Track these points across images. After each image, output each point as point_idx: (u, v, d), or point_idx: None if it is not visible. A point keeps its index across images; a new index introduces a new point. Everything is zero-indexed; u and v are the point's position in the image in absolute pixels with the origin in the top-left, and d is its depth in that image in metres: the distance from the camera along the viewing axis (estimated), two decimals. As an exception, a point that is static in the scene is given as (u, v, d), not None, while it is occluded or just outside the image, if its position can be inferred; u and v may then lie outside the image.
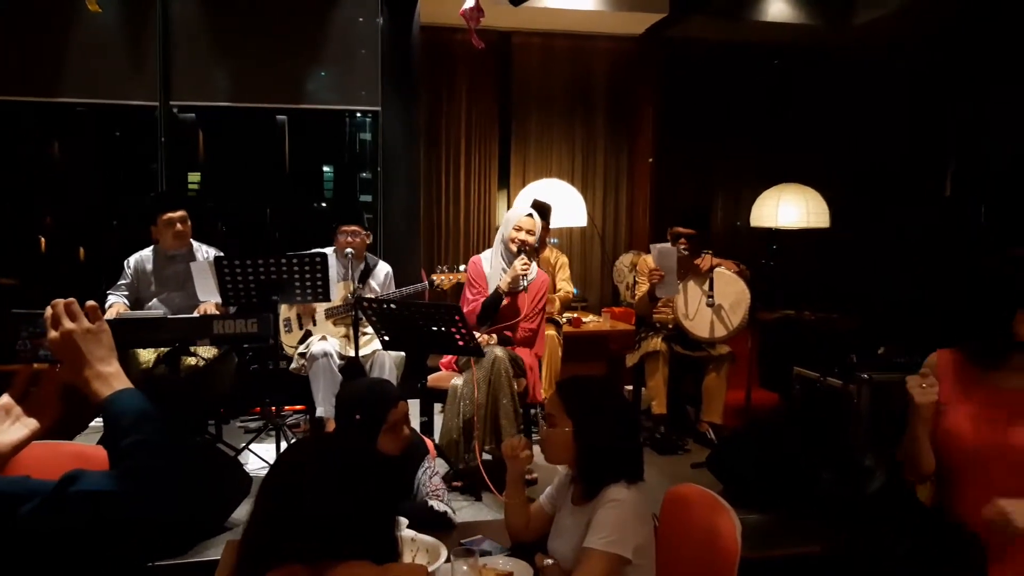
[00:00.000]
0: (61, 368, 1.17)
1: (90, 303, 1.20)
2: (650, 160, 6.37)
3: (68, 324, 1.14)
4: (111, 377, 1.14)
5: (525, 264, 3.76)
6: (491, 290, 3.85)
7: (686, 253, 4.33)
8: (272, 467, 1.33)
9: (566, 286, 4.88)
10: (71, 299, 1.17)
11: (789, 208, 5.18)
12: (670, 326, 4.51)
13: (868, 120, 6.13)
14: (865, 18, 5.59)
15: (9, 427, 1.20)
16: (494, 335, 3.82)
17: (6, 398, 1.21)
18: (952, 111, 5.50)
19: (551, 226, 4.99)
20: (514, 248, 3.80)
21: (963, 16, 5.14)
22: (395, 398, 2.44)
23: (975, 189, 5.35)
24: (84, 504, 0.96)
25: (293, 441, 1.70)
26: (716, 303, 4.21)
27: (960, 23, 5.17)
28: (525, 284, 3.85)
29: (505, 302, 3.86)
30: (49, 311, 1.15)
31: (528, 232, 3.82)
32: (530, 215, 3.87)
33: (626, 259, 6.08)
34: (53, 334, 1.14)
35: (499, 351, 3.62)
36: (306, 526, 1.19)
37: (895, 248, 5.84)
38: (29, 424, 1.21)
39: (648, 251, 4.61)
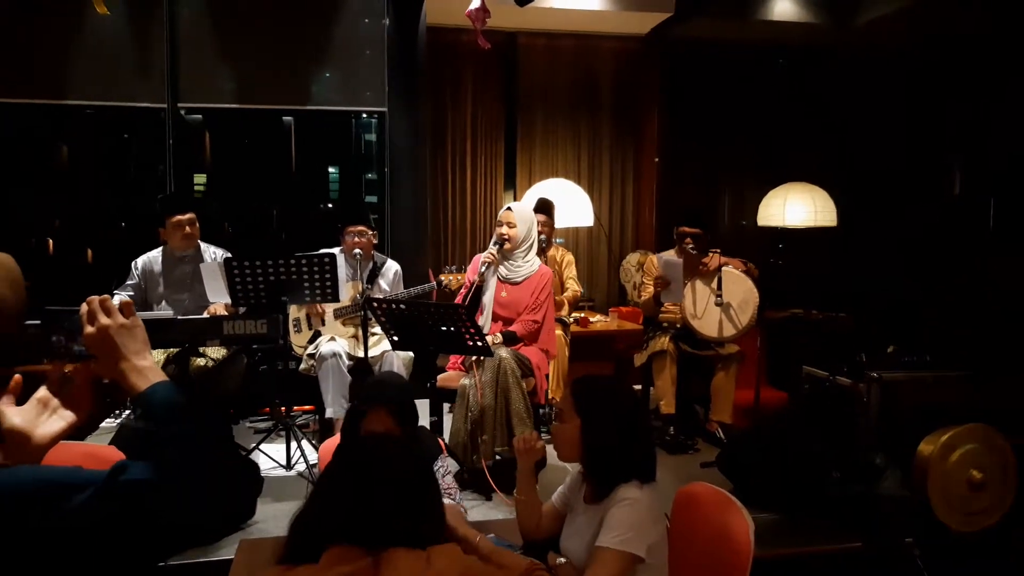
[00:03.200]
0: (96, 363, 1.19)
1: (124, 299, 1.23)
2: (656, 159, 6.37)
3: (104, 320, 1.16)
4: (147, 370, 1.16)
5: (489, 253, 3.93)
6: (488, 286, 3.93)
7: (693, 252, 4.33)
8: (342, 458, 1.44)
9: (573, 285, 4.88)
10: (105, 296, 1.19)
11: (796, 207, 5.17)
12: (678, 325, 4.51)
13: (874, 118, 6.12)
14: (870, 16, 5.58)
15: (47, 419, 1.22)
16: (498, 334, 3.84)
17: (43, 391, 1.23)
18: (959, 109, 5.49)
19: (556, 225, 5.00)
20: (494, 239, 3.96)
21: (968, 13, 5.13)
22: (373, 401, 2.41)
23: (984, 187, 5.33)
24: (132, 493, 0.97)
25: (363, 438, 1.86)
26: (724, 302, 4.20)
27: (966, 21, 5.16)
28: (488, 273, 3.94)
29: (505, 295, 3.89)
30: (85, 307, 1.17)
31: (508, 225, 3.92)
32: (509, 209, 3.97)
33: (633, 259, 6.08)
34: (89, 329, 1.16)
35: (504, 352, 3.64)
36: (376, 514, 1.30)
37: (903, 247, 5.83)
38: (66, 416, 1.23)
39: (654, 250, 4.62)
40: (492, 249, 3.92)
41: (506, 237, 3.91)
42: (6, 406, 1.19)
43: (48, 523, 0.94)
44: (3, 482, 0.96)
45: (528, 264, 3.96)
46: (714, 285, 4.20)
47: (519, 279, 3.94)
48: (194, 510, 1.00)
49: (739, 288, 4.24)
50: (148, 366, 1.16)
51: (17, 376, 1.17)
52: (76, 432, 1.26)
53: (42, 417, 1.22)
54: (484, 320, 3.92)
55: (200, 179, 5.29)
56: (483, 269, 3.92)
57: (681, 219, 4.56)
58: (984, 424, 3.35)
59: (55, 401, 1.24)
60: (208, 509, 1.02)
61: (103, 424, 4.16)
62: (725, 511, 1.96)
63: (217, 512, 1.04)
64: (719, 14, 5.83)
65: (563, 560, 1.98)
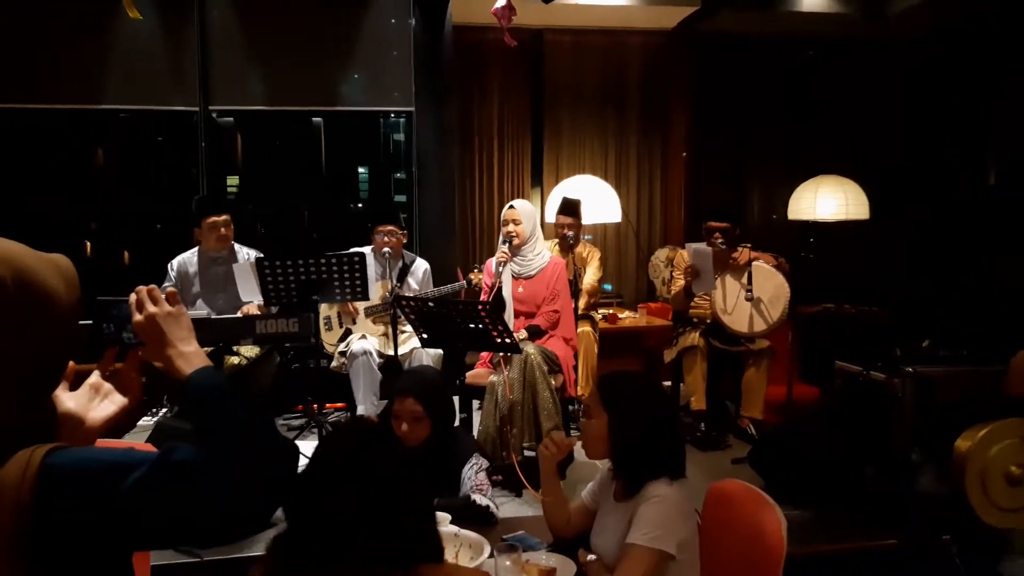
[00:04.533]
0: (145, 350, 1.24)
1: (171, 289, 1.28)
2: (684, 154, 6.32)
3: (151, 308, 1.22)
4: (192, 356, 1.20)
5: (502, 252, 3.96)
6: (504, 283, 3.97)
7: (723, 247, 4.30)
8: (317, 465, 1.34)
9: (591, 279, 4.81)
10: (152, 285, 1.24)
11: (827, 200, 5.11)
12: (708, 321, 4.48)
13: (905, 110, 6.02)
14: (901, 6, 5.48)
15: (99, 403, 1.27)
16: (523, 330, 3.87)
17: (96, 377, 1.28)
18: (991, 101, 5.38)
19: (584, 222, 4.98)
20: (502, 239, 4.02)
21: (1001, 4, 5.02)
22: (402, 389, 2.47)
23: (1018, 179, 5.22)
24: (182, 474, 1.00)
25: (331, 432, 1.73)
26: (755, 297, 4.17)
27: (995, 11, 5.05)
28: (501, 271, 3.96)
29: (521, 291, 3.97)
30: (133, 297, 1.23)
31: (514, 223, 3.97)
32: (511, 207, 4.02)
33: (661, 254, 6.05)
34: (138, 317, 1.21)
35: (531, 348, 3.66)
36: (322, 521, 1.21)
37: (936, 240, 5.73)
38: (117, 401, 1.28)
39: (683, 246, 4.58)
40: (503, 248, 3.97)
41: (514, 234, 3.97)
42: (61, 391, 1.24)
43: (105, 501, 0.97)
44: (63, 461, 0.99)
45: (539, 257, 4.04)
46: (744, 280, 4.17)
47: (533, 272, 4.01)
48: (240, 494, 1.02)
49: (770, 283, 4.20)
50: (193, 352, 1.20)
51: (71, 363, 1.21)
52: (115, 430, 1.29)
53: (94, 402, 1.27)
54: (507, 318, 3.94)
55: (233, 181, 5.36)
56: (500, 269, 3.95)
57: (708, 214, 4.52)
58: (1023, 419, 3.28)
59: (107, 386, 1.29)
60: (255, 493, 1.04)
61: (140, 423, 4.25)
62: (757, 508, 1.95)
63: (263, 497, 1.05)
64: (746, 6, 5.77)
65: (593, 557, 1.98)
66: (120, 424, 1.27)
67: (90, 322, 1.27)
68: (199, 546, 2.82)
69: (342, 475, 1.26)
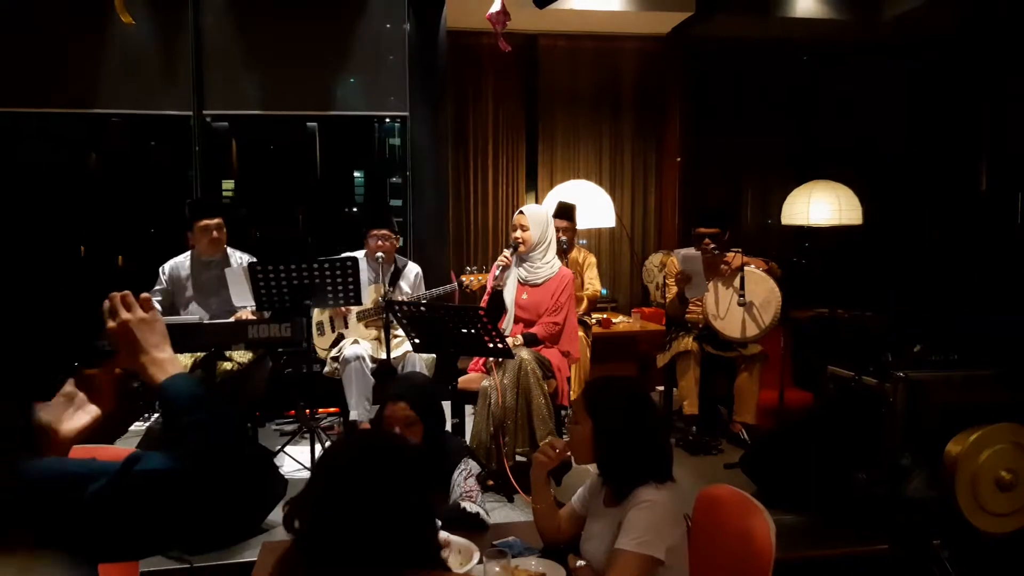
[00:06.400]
0: (118, 356, 1.23)
1: (144, 295, 1.27)
2: (678, 159, 6.34)
3: (124, 314, 1.21)
4: (165, 362, 1.19)
5: (503, 257, 3.94)
6: (508, 288, 3.97)
7: (715, 253, 4.31)
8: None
9: (594, 283, 4.88)
10: (126, 291, 1.23)
11: (821, 205, 5.12)
12: (701, 325, 4.49)
13: (899, 115, 6.04)
14: (895, 11, 5.50)
15: (73, 413, 1.27)
16: (519, 336, 3.86)
17: (69, 386, 1.28)
18: (985, 104, 5.40)
19: (579, 227, 4.99)
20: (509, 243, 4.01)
21: (994, 7, 5.04)
22: (394, 395, 2.47)
23: (1011, 183, 5.24)
24: (147, 484, 0.99)
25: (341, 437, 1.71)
26: (747, 301, 4.18)
27: (989, 14, 5.08)
28: (502, 276, 3.95)
29: (525, 298, 3.93)
30: (106, 303, 1.22)
31: (521, 228, 3.94)
32: (521, 212, 3.99)
33: (656, 259, 6.06)
34: (111, 324, 1.21)
35: (525, 353, 3.66)
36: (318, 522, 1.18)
37: (929, 244, 5.75)
38: (91, 411, 1.28)
39: (678, 250, 4.58)
40: (506, 252, 3.95)
41: (520, 240, 3.94)
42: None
43: (65, 512, 0.96)
44: (28, 475, 0.98)
45: (548, 266, 3.97)
46: (736, 284, 4.18)
47: (539, 281, 3.95)
48: (213, 500, 1.02)
49: (761, 287, 4.21)
50: (167, 358, 1.20)
51: None
52: (105, 435, 1.29)
53: (68, 411, 1.26)
54: (506, 323, 3.94)
55: (227, 185, 5.36)
56: (498, 272, 3.94)
57: (697, 220, 4.54)
58: (1014, 423, 3.29)
59: (81, 396, 1.28)
60: (228, 499, 1.03)
61: (132, 428, 4.24)
62: (747, 513, 1.95)
63: (237, 504, 1.05)
64: (740, 11, 5.79)
65: (582, 563, 1.98)
66: (95, 433, 1.27)
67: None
68: (189, 553, 2.81)
69: (352, 478, 1.22)
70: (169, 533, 1.01)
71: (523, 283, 3.98)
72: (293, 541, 1.23)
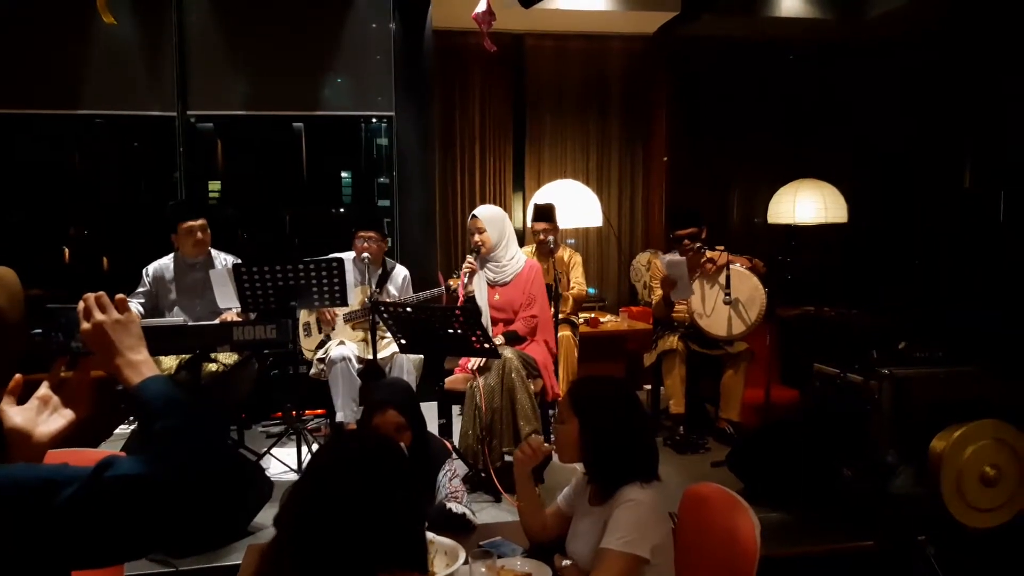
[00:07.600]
0: (94, 358, 1.21)
1: (119, 296, 1.25)
2: (665, 159, 6.35)
3: (99, 315, 1.19)
4: (141, 364, 1.18)
5: (468, 263, 3.96)
6: (479, 292, 3.97)
7: (698, 248, 4.33)
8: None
9: (580, 283, 4.88)
10: (100, 292, 1.21)
11: (806, 204, 5.15)
12: (687, 324, 4.50)
13: (884, 114, 6.08)
14: (879, 11, 5.54)
15: (48, 417, 1.24)
16: (501, 335, 3.86)
17: (44, 388, 1.26)
18: (969, 102, 5.44)
19: (566, 226, 4.99)
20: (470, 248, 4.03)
21: (977, 6, 5.08)
22: (382, 401, 2.46)
23: (994, 181, 5.28)
24: (119, 489, 0.97)
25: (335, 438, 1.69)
26: (733, 299, 4.19)
27: (974, 13, 5.11)
28: (470, 282, 3.95)
29: (498, 298, 3.96)
30: (81, 304, 1.20)
31: (479, 231, 3.96)
32: (474, 216, 3.99)
33: (643, 258, 6.07)
34: (85, 325, 1.19)
35: (508, 352, 3.66)
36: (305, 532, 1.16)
37: (914, 242, 5.78)
38: (66, 415, 1.25)
39: (665, 249, 4.60)
40: (469, 258, 3.96)
41: (480, 243, 3.95)
42: (7, 406, 1.22)
43: (35, 519, 0.94)
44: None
45: (513, 262, 4.00)
46: (722, 281, 4.19)
47: (508, 278, 3.98)
48: (190, 505, 1.00)
49: (745, 285, 4.23)
50: (142, 360, 1.18)
51: (18, 376, 1.19)
52: (89, 439, 1.27)
53: (43, 415, 1.24)
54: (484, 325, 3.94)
55: (213, 186, 5.33)
56: (466, 279, 3.94)
57: (672, 223, 4.56)
58: (997, 419, 3.32)
59: (56, 399, 1.26)
60: (205, 503, 1.02)
61: (116, 431, 4.21)
62: (732, 511, 1.95)
63: (216, 508, 1.03)
64: (726, 11, 5.80)
65: (568, 562, 1.98)
66: (72, 437, 1.25)
67: (39, 331, 1.25)
68: (172, 556, 2.79)
69: (340, 478, 1.21)
70: (144, 539, 0.99)
71: (492, 284, 4.00)
72: (277, 538, 1.23)
